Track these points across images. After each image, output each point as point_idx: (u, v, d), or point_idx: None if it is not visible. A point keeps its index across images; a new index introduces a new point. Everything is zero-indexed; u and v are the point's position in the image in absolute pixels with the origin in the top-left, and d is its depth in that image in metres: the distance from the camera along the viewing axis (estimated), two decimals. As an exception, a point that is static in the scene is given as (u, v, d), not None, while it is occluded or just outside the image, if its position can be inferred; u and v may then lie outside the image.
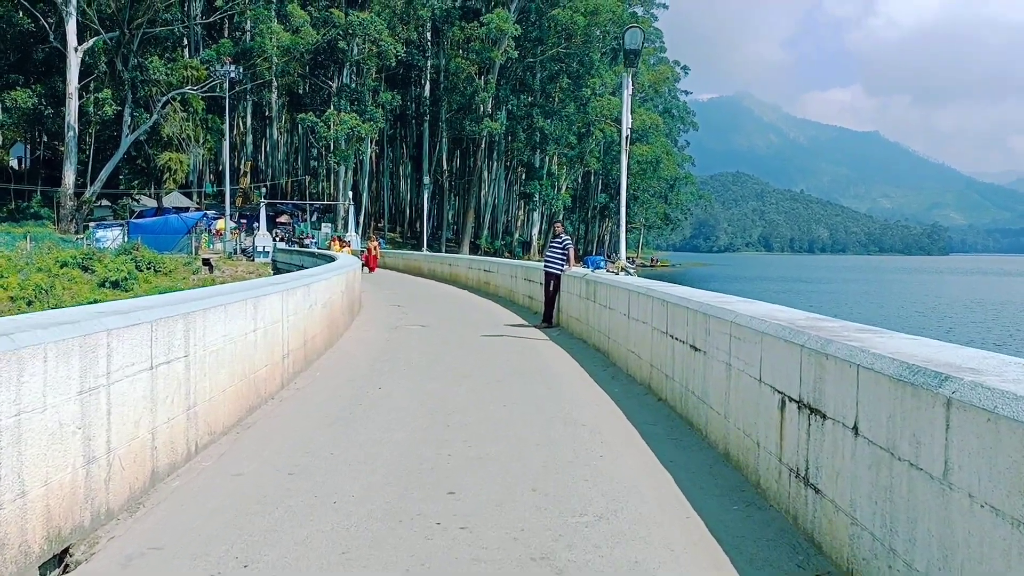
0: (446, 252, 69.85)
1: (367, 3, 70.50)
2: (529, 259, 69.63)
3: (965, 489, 3.10)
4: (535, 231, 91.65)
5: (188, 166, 69.42)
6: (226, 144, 61.46)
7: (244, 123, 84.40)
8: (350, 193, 70.48)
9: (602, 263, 16.34)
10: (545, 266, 17.11)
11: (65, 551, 4.61)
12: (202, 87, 62.74)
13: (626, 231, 16.48)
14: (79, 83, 57.28)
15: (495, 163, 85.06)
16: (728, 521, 5.14)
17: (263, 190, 75.82)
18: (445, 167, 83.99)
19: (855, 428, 4.09)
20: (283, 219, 72.59)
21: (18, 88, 61.14)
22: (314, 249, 48.04)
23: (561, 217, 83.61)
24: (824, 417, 4.48)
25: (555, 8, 75.75)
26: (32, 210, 63.25)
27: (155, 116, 61.11)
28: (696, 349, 7.48)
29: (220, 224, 60.97)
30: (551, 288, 16.88)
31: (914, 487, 3.49)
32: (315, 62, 72.34)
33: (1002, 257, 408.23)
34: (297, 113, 74.64)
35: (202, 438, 6.70)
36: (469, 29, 74.01)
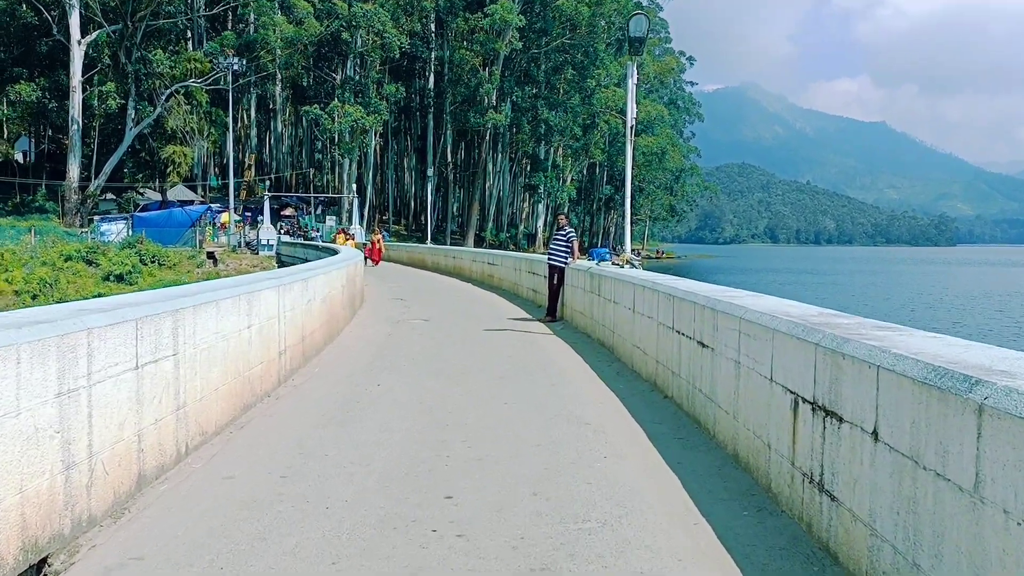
0: (451, 245, 69.64)
1: (370, -6, 70.20)
2: (534, 252, 69.37)
3: (999, 504, 2.86)
4: (540, 223, 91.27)
5: (192, 159, 69.32)
6: (230, 137, 61.30)
7: (248, 116, 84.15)
8: (354, 186, 70.30)
9: (607, 255, 16.09)
10: (549, 259, 16.84)
11: (43, 561, 4.40)
12: (206, 80, 62.53)
13: (631, 223, 16.22)
14: (83, 76, 57.14)
15: (500, 155, 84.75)
16: (738, 528, 4.90)
17: (267, 183, 75.62)
18: (450, 159, 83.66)
19: (875, 433, 3.84)
20: (287, 212, 72.36)
21: (22, 82, 61.00)
22: (319, 242, 47.85)
23: (566, 209, 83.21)
24: (841, 420, 4.24)
25: (559, -2, 75.38)
26: (37, 204, 63.19)
27: (159, 109, 60.96)
28: (704, 346, 7.23)
29: (224, 217, 60.83)
30: (555, 281, 16.62)
31: (941, 499, 3.25)
32: (319, 54, 72.07)
33: (1010, 248, 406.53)
34: (301, 106, 74.45)
35: (193, 439, 6.48)
36: (473, 20, 73.59)
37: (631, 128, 14.32)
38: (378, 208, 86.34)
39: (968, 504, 3.05)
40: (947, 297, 58.65)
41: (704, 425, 7.17)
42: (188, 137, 65.49)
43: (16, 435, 4.15)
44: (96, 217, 58.20)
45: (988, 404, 2.94)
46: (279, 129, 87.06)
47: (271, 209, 60.39)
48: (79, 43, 56.36)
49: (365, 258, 40.54)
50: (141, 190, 71.57)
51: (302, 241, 51.26)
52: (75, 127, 57.45)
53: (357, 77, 71.79)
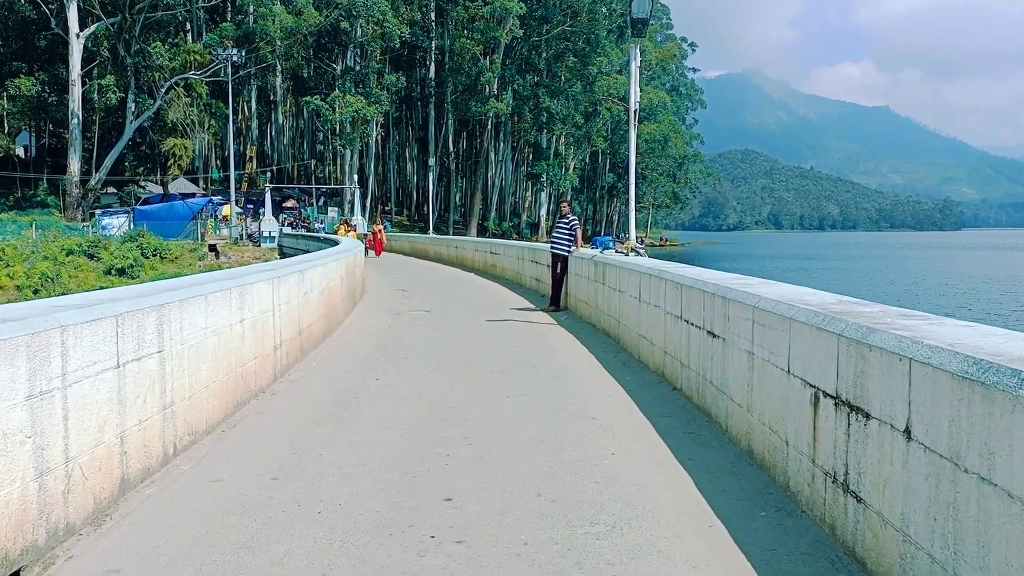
0: (454, 234, 69.31)
1: (370, -17, 69.67)
2: (537, 240, 69.03)
3: (1057, 514, 2.57)
4: (543, 212, 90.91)
5: (193, 152, 69.05)
6: (230, 129, 60.89)
7: (249, 108, 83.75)
8: (356, 177, 69.95)
9: (610, 243, 15.77)
10: (552, 247, 16.52)
11: (15, 575, 4.12)
12: (205, 72, 62.17)
13: (635, 210, 15.88)
14: (82, 70, 56.87)
15: (502, 144, 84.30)
16: (756, 530, 4.61)
17: (268, 175, 75.30)
18: (451, 149, 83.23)
19: (907, 432, 3.54)
20: (289, 204, 72.03)
21: (21, 76, 60.70)
22: (321, 234, 47.60)
23: (569, 197, 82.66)
24: (868, 417, 3.94)
25: (560, -15, 74.87)
26: (38, 198, 63.01)
27: (158, 102, 60.65)
28: (714, 336, 6.92)
29: (226, 210, 60.52)
30: (558, 270, 16.30)
31: (986, 506, 2.95)
32: (319, 44, 71.62)
33: (1015, 231, 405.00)
34: (302, 97, 73.99)
35: (181, 439, 6.20)
36: (473, 8, 73.12)
37: (635, 112, 13.97)
38: (380, 199, 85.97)
39: (1020, 512, 2.75)
40: (952, 281, 58.26)
41: (715, 419, 6.87)
42: (188, 130, 65.20)
43: (-19, 442, 3.87)
44: (97, 211, 58.02)
45: (1042, 402, 2.64)
46: (280, 120, 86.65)
47: (273, 201, 60.07)
48: (78, 36, 56.05)
49: (366, 249, 40.36)
50: (142, 183, 71.30)
51: (303, 233, 50.99)
52: (75, 121, 57.19)
53: (357, 67, 71.35)
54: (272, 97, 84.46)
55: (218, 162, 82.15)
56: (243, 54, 64.87)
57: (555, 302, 16.36)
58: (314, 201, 73.61)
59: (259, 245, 52.58)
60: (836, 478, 4.30)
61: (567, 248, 16.06)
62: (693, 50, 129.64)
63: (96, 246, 42.88)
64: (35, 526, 4.26)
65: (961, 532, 3.10)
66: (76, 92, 56.22)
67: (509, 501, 5.08)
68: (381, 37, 68.30)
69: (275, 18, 66.49)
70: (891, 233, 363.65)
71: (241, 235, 56.35)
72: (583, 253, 15.29)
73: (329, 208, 71.06)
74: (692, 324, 7.69)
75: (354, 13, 66.42)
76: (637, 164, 15.40)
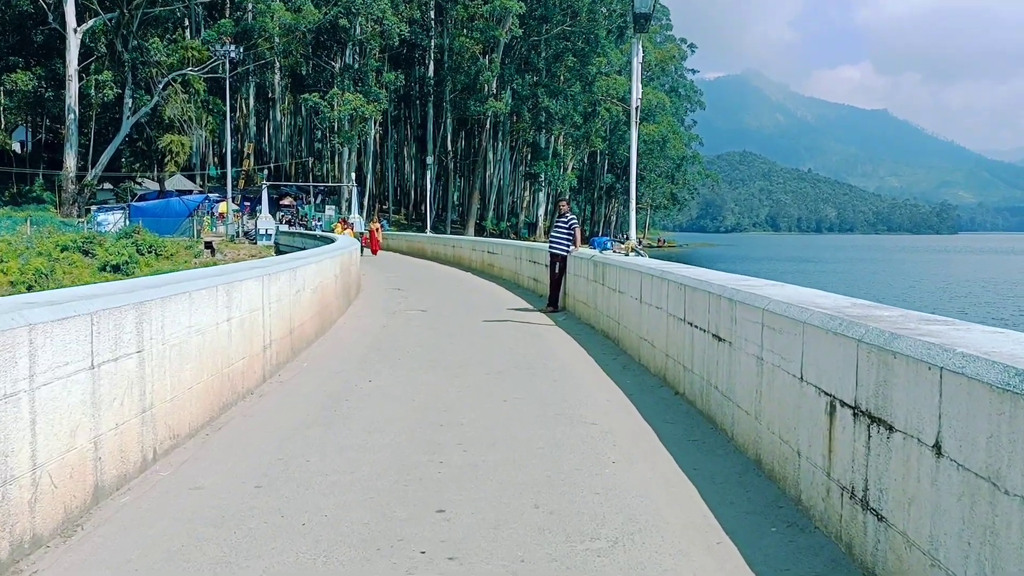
0: (451, 234, 69.01)
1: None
2: (535, 240, 68.74)
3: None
4: (541, 212, 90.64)
5: (190, 149, 68.76)
6: (228, 126, 60.60)
7: (247, 105, 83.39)
8: (353, 175, 69.63)
9: (608, 244, 15.50)
10: (550, 247, 16.23)
11: (-26, 591, 3.85)
12: (203, 68, 61.83)
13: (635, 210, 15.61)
14: (79, 65, 56.47)
15: (500, 143, 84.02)
16: (767, 548, 4.33)
17: (266, 172, 74.96)
18: (450, 148, 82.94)
19: (937, 447, 3.27)
20: (287, 201, 71.78)
21: (18, 71, 60.32)
22: (319, 232, 47.33)
23: (568, 197, 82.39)
24: (891, 429, 3.66)
25: (560, -16, 74.58)
26: (34, 194, 62.66)
27: (156, 98, 60.30)
28: (720, 339, 6.65)
29: (223, 207, 60.22)
30: (557, 270, 16.02)
31: (1032, 532, 2.68)
32: (317, 42, 71.32)
33: (1012, 236, 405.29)
34: (300, 94, 73.66)
35: (162, 443, 5.92)
36: (473, 7, 72.80)
37: (636, 109, 13.70)
38: (378, 197, 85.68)
39: (1072, 542, 2.48)
40: (950, 285, 58.07)
41: (721, 426, 6.59)
42: (186, 126, 64.85)
43: (-64, 449, 3.59)
44: (93, 207, 57.66)
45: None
46: (278, 118, 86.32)
47: (270, 199, 59.75)
48: (75, 31, 55.66)
49: (362, 247, 40.08)
50: (139, 180, 70.97)
51: (300, 231, 50.71)
52: (72, 116, 56.81)
53: (356, 65, 71.03)
54: (270, 94, 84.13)
55: (215, 159, 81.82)
56: (241, 51, 64.52)
57: (553, 303, 16.08)
58: (312, 199, 73.31)
59: (256, 243, 52.28)
60: (854, 494, 4.02)
61: (566, 248, 15.78)
62: (692, 51, 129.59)
63: (91, 242, 42.57)
64: (-2, 538, 3.98)
65: (1000, 560, 2.82)
66: (73, 87, 55.84)
67: (505, 513, 4.80)
68: (380, 35, 68.03)
69: (274, 15, 66.16)
70: (888, 236, 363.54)
71: (237, 232, 56.07)
72: (582, 253, 15.01)
73: (327, 206, 70.76)
74: (696, 327, 7.41)
75: (353, 10, 66.12)
76: (637, 164, 15.11)
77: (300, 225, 59.31)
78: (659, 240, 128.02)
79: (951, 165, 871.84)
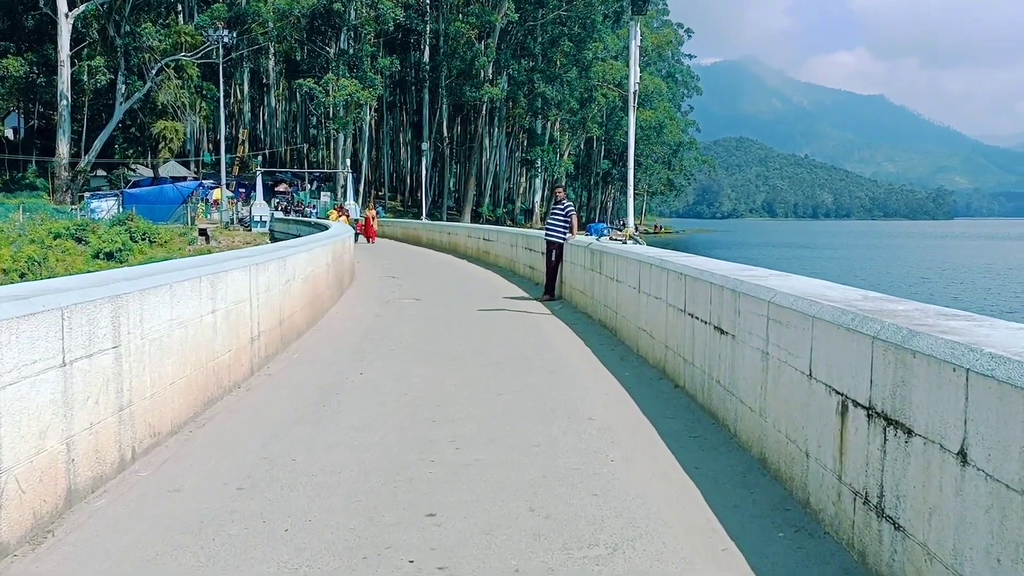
0: (447, 220, 68.65)
1: (364, -35, 68.76)
2: (531, 227, 68.41)
3: None
4: (537, 198, 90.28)
5: (184, 135, 68.32)
6: (222, 112, 60.15)
7: (241, 91, 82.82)
8: (349, 161, 69.20)
9: (605, 230, 15.23)
10: (546, 234, 15.97)
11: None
12: (196, 53, 61.32)
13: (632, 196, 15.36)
14: (71, 51, 55.92)
15: (496, 129, 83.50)
16: (775, 555, 4.10)
17: (260, 159, 74.54)
18: (446, 134, 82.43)
19: (962, 454, 3.04)
20: (282, 188, 71.43)
21: (9, 56, 59.73)
22: (314, 219, 47.02)
23: (564, 183, 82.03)
24: (910, 433, 3.43)
25: (556, -32, 74.00)
26: (27, 181, 62.20)
27: (149, 84, 59.82)
28: (722, 332, 6.41)
29: (216, 194, 59.84)
30: (553, 258, 15.76)
31: (1073, 554, 2.45)
32: (312, 27, 70.71)
33: (1007, 221, 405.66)
34: (295, 80, 73.13)
35: (142, 441, 5.68)
36: (468, -9, 72.27)
37: (634, 93, 13.42)
38: (374, 184, 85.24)
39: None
40: (947, 271, 57.95)
41: (723, 421, 6.36)
42: (179, 112, 64.39)
43: None
44: (86, 194, 57.26)
45: None
46: (273, 104, 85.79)
47: (265, 185, 59.40)
48: (67, 16, 55.06)
49: (357, 234, 39.78)
50: (133, 166, 70.55)
51: (295, 218, 50.40)
52: (64, 102, 56.28)
53: (351, 50, 70.48)
54: (265, 80, 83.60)
55: (210, 145, 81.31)
56: (235, 36, 63.96)
57: (550, 291, 15.83)
58: (307, 185, 72.92)
59: (250, 230, 51.99)
60: (868, 499, 3.79)
61: (562, 235, 15.52)
62: (689, 36, 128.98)
63: (84, 229, 42.28)
64: (-41, 548, 3.74)
65: (1036, 580, 2.60)
66: (65, 73, 55.30)
67: (498, 517, 4.57)
68: (375, 20, 67.47)
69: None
70: (884, 222, 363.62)
71: (232, 219, 55.73)
72: (579, 240, 14.75)
73: (322, 193, 70.39)
74: (697, 318, 7.17)
75: (348, -5, 65.58)
76: (634, 150, 14.85)
77: (297, 212, 58.95)
78: (656, 226, 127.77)
79: (948, 151, 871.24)
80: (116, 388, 5.30)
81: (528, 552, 4.10)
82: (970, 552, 2.96)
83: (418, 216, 65.10)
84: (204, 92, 65.39)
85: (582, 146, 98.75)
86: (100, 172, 67.40)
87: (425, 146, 65.44)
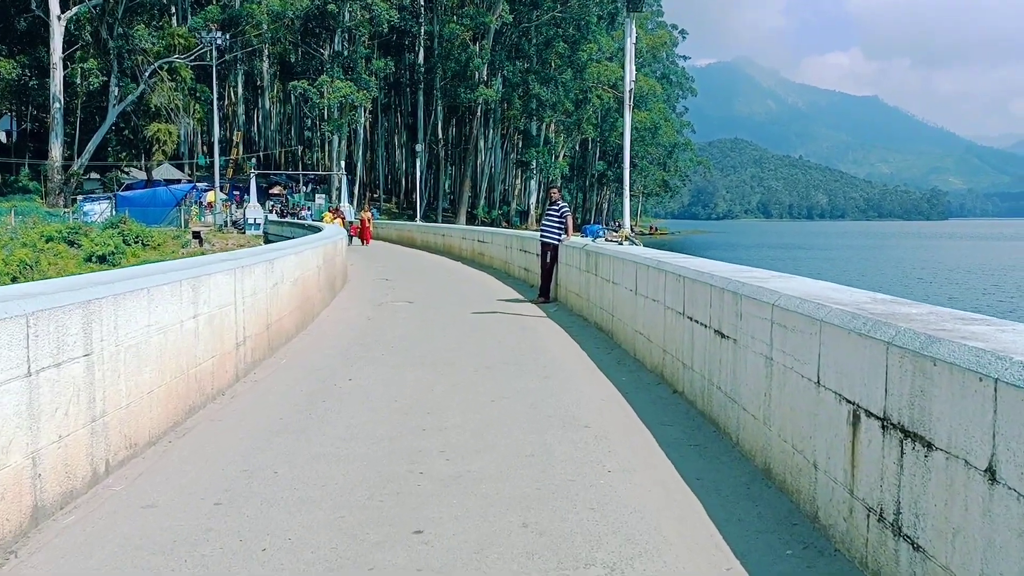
0: (443, 222, 68.39)
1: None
2: (527, 228, 68.17)
3: None
4: (533, 200, 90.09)
5: (178, 137, 68.01)
6: (215, 114, 59.78)
7: (235, 93, 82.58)
8: (343, 163, 68.92)
9: (601, 232, 14.98)
10: (541, 236, 15.73)
11: None
12: (190, 56, 61.01)
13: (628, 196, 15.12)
14: (64, 53, 55.58)
15: (491, 131, 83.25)
16: (783, 575, 3.85)
17: (255, 161, 74.21)
18: (441, 136, 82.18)
19: (991, 472, 2.79)
20: (276, 190, 71.11)
21: (2, 58, 59.41)
22: (309, 221, 46.75)
23: (560, 184, 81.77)
24: (930, 447, 3.19)
25: (550, -31, 73.80)
26: (20, 183, 61.86)
27: (142, 86, 59.49)
28: (723, 336, 6.16)
29: (210, 196, 59.52)
30: (548, 260, 15.51)
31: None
32: (306, 29, 70.42)
33: (1001, 221, 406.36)
34: (289, 82, 72.85)
35: (117, 453, 5.42)
36: (463, -7, 72.04)
37: (630, 92, 13.18)
38: (369, 186, 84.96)
39: None
40: (941, 271, 57.84)
41: (724, 429, 6.12)
42: (173, 115, 64.06)
43: None
44: (80, 197, 56.92)
45: None
46: (267, 106, 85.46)
47: (260, 187, 59.01)
48: (59, 18, 54.74)
49: (351, 237, 39.52)
50: (126, 169, 70.20)
51: (289, 220, 50.13)
52: (57, 105, 55.93)
53: (346, 52, 70.22)
54: (259, 82, 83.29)
55: (204, 148, 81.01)
56: (228, 38, 63.74)
57: (544, 293, 15.59)
58: (301, 188, 72.63)
59: (244, 232, 51.68)
60: (883, 516, 3.55)
61: (557, 236, 15.28)
62: (683, 37, 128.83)
63: (76, 233, 42.03)
64: (-89, 573, 3.49)
65: (1078, 614, 2.35)
66: (58, 76, 54.96)
67: (489, 534, 4.32)
68: (369, 22, 67.22)
69: (261, 1, 65.25)
70: (879, 222, 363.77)
71: (226, 222, 55.41)
72: (574, 242, 14.51)
73: (317, 195, 70.10)
74: (696, 321, 6.93)
75: (342, -3, 65.31)
76: (629, 151, 14.61)
77: (292, 214, 58.64)
78: (651, 227, 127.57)
79: (941, 151, 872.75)
80: (88, 398, 5.04)
81: (520, 572, 3.86)
82: (1000, 578, 2.72)
83: (413, 218, 64.85)
84: (198, 94, 65.12)
85: (577, 148, 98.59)
86: (94, 175, 67.07)
87: (419, 147, 65.24)
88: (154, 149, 65.54)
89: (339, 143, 70.99)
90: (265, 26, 66.78)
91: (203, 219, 56.87)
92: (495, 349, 10.11)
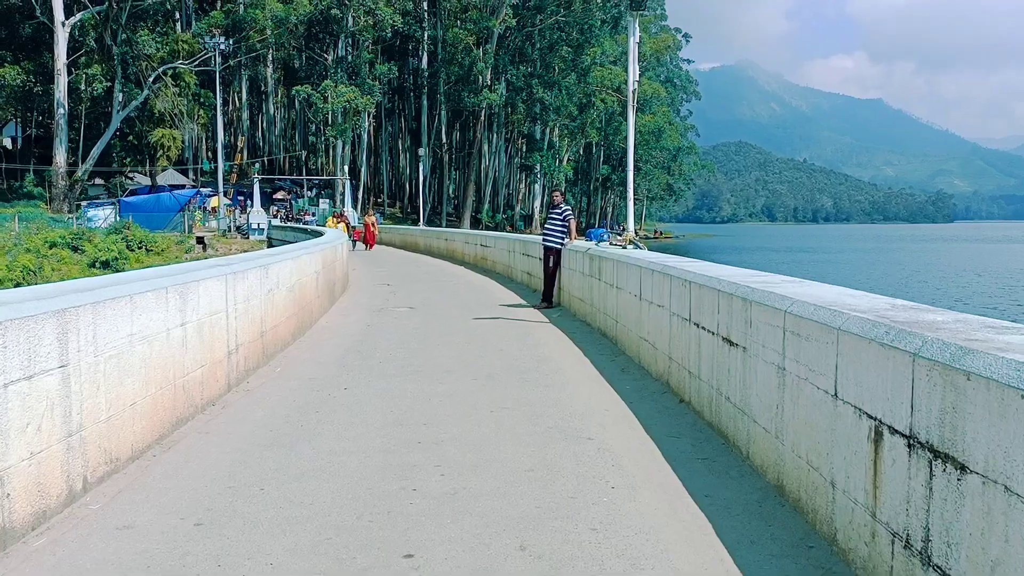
0: (447, 227, 68.13)
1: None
2: (531, 233, 67.90)
3: None
4: (537, 204, 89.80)
5: (182, 143, 67.94)
6: (219, 119, 59.67)
7: (240, 99, 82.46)
8: (347, 168, 68.77)
9: (605, 235, 14.70)
10: (543, 240, 15.45)
11: None
12: (193, 61, 61.00)
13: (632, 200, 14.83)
14: (68, 59, 55.65)
15: (495, 135, 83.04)
16: (800, 604, 3.58)
17: (259, 166, 74.12)
18: (444, 140, 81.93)
19: (1036, 500, 2.52)
20: (280, 196, 71.00)
21: (6, 64, 59.42)
22: (313, 226, 46.61)
23: (563, 188, 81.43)
24: (964, 470, 2.91)
25: (554, -27, 73.61)
26: (25, 190, 61.89)
27: (146, 92, 59.47)
28: (732, 344, 5.89)
29: (214, 201, 59.43)
30: (551, 264, 15.23)
31: None
32: (310, 34, 70.35)
33: (1007, 223, 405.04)
34: (293, 87, 72.75)
35: (96, 470, 5.16)
36: (466, -3, 71.89)
37: (633, 92, 12.91)
38: (373, 191, 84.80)
39: None
40: (948, 274, 57.46)
41: (733, 441, 5.83)
42: (177, 120, 64.03)
43: None
44: (84, 202, 56.87)
45: None
46: (271, 111, 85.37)
47: (263, 193, 58.92)
48: (63, 25, 54.78)
49: (354, 241, 39.33)
50: (130, 175, 70.23)
51: (292, 225, 49.98)
52: (61, 111, 55.92)
53: (349, 57, 70.11)
54: (263, 88, 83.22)
55: (209, 153, 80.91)
56: (232, 43, 63.65)
57: (547, 298, 15.31)
58: (306, 193, 72.50)
59: (248, 237, 51.61)
60: (910, 543, 3.27)
61: (560, 240, 15.01)
62: (687, 41, 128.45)
63: (80, 238, 42.02)
64: None
65: None
66: (62, 82, 54.94)
67: (484, 558, 4.04)
68: (373, 26, 67.09)
69: (265, 6, 65.09)
70: (884, 225, 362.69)
71: (230, 227, 55.33)
72: (577, 246, 14.23)
73: (321, 200, 69.96)
74: (703, 328, 6.65)
75: (346, 2, 65.16)
76: (633, 153, 14.34)
77: (296, 220, 58.48)
78: (656, 231, 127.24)
79: (946, 154, 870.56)
80: (63, 412, 4.78)
81: (517, 602, 3.58)
82: (1048, 620, 2.44)
83: (417, 223, 64.65)
84: (202, 100, 65.08)
85: (581, 151, 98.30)
86: (98, 181, 67.09)
87: (422, 152, 65.04)
88: (158, 155, 65.52)
89: (343, 148, 70.85)
90: (269, 31, 66.67)
91: (207, 224, 56.81)
92: (495, 357, 9.84)
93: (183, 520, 4.58)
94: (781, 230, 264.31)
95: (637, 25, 12.50)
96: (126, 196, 60.27)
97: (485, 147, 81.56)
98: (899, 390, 3.37)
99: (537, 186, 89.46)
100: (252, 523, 4.51)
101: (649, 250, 12.48)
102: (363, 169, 78.31)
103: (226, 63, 64.38)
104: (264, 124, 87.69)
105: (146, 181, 67.90)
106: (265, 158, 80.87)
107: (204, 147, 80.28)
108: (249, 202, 57.93)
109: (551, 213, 15.66)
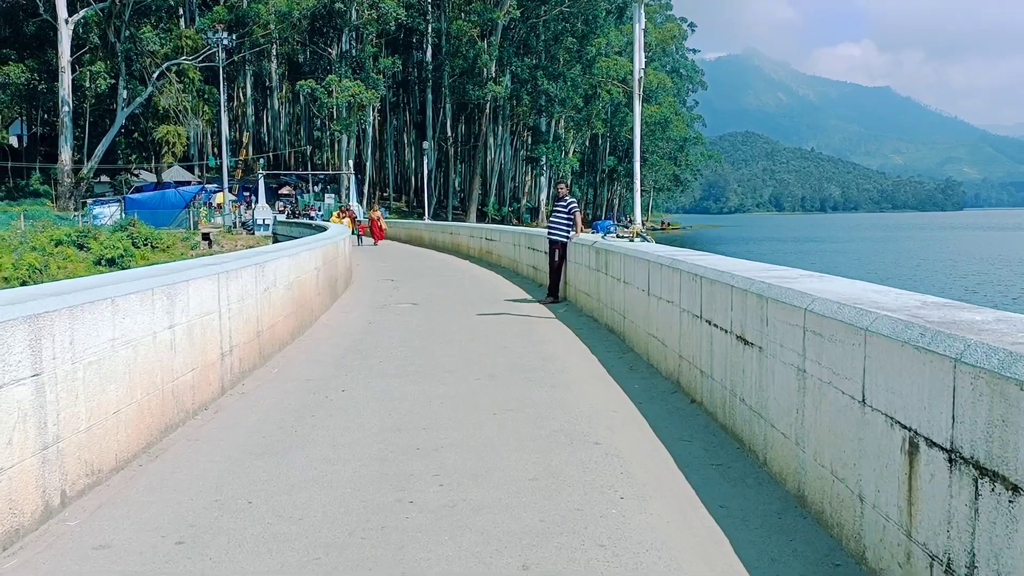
0: (453, 220, 67.88)
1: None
2: (537, 225, 67.55)
3: None
4: (543, 196, 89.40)
5: (187, 139, 67.84)
6: (223, 115, 59.50)
7: (244, 94, 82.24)
8: (352, 163, 68.51)
9: (612, 228, 14.36)
10: (549, 233, 15.12)
11: None
12: (197, 57, 60.77)
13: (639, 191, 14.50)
14: (72, 56, 55.51)
15: (500, 128, 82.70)
16: (828, 633, 3.27)
17: (264, 161, 73.91)
18: (449, 133, 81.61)
19: (1106, 530, 2.21)
20: (285, 191, 70.78)
21: (10, 63, 59.26)
22: (320, 221, 46.39)
23: (569, 180, 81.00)
24: (1015, 490, 2.60)
25: (558, -36, 73.16)
26: (31, 188, 61.82)
27: (150, 88, 59.29)
28: (746, 343, 5.57)
29: (219, 198, 59.28)
30: (556, 258, 14.91)
31: None
32: (313, 28, 70.08)
33: (1017, 210, 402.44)
34: (297, 82, 72.50)
35: (75, 483, 4.87)
36: (470, -11, 71.46)
37: (639, 80, 12.57)
38: (378, 185, 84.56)
39: None
40: (960, 263, 56.94)
41: (750, 447, 5.52)
42: (181, 116, 63.88)
43: None
44: (89, 200, 56.78)
45: None
46: (276, 107, 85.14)
47: (269, 188, 58.70)
48: (67, 22, 54.62)
49: (360, 236, 39.07)
50: (136, 172, 70.08)
51: (297, 220, 49.76)
52: (66, 109, 55.77)
53: (353, 51, 69.84)
54: (268, 83, 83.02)
55: (214, 149, 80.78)
56: (235, 39, 63.35)
57: (553, 293, 15.00)
58: (311, 188, 72.30)
59: (253, 233, 51.36)
60: (952, 568, 2.96)
61: (565, 234, 14.68)
62: (692, 30, 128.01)
63: (86, 236, 41.88)
64: None
65: None
66: (66, 79, 54.77)
67: (484, 580, 3.75)
68: (377, 20, 66.77)
69: (268, 1, 64.83)
70: (893, 214, 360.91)
71: (235, 223, 55.15)
72: (583, 239, 13.91)
73: (326, 195, 69.75)
74: (716, 326, 6.33)
75: (349, -5, 64.87)
76: (640, 144, 14.01)
77: (302, 215, 58.25)
78: (663, 223, 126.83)
79: (955, 141, 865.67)
80: (37, 423, 4.49)
81: (519, 631, 3.29)
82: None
83: (423, 216, 64.36)
84: (206, 96, 64.88)
85: (587, 143, 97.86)
86: (103, 178, 66.98)
87: (427, 145, 64.72)
88: (163, 151, 65.42)
89: (348, 142, 70.61)
90: (272, 26, 66.44)
91: (212, 220, 56.64)
92: (499, 355, 9.53)
93: (164, 538, 4.29)
94: (789, 220, 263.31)
95: (643, 12, 12.18)
96: (131, 193, 60.14)
97: (490, 140, 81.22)
98: (938, 399, 3.06)
99: (543, 178, 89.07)
100: (237, 541, 4.22)
101: (656, 242, 12.15)
102: (368, 163, 78.08)
103: (230, 59, 64.16)
104: (269, 119, 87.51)
105: (151, 178, 67.74)
106: (270, 153, 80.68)
107: (209, 143, 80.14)
108: (254, 198, 57.74)
109: (556, 206, 15.34)
